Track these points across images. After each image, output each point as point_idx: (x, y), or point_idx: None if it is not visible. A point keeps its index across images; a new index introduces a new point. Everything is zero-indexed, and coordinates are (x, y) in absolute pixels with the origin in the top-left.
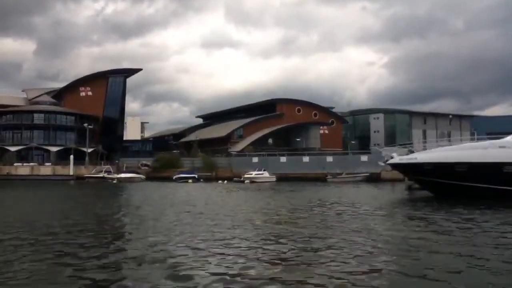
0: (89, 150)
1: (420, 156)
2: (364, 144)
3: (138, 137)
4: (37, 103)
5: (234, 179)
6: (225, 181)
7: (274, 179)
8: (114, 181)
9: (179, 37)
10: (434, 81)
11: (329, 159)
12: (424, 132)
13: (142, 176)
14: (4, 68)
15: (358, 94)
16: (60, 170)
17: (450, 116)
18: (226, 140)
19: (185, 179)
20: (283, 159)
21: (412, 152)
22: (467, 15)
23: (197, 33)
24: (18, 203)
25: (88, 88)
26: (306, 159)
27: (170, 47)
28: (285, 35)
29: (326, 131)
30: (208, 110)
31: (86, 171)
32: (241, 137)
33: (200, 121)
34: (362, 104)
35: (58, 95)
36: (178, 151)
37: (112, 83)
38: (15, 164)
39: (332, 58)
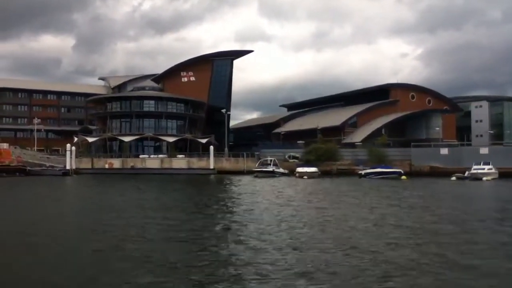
0: (204, 141)
1: None
2: (462, 134)
3: None
4: (142, 89)
5: (456, 174)
6: (454, 178)
7: (497, 175)
8: (305, 177)
9: (213, 31)
10: (468, 72)
11: None
12: None
13: (318, 171)
14: (44, 64)
15: None
16: (195, 162)
17: None
18: (339, 130)
19: (384, 175)
20: (483, 150)
21: None
22: (505, 5)
23: (231, 28)
24: None
25: (191, 73)
26: None
27: (205, 41)
28: (318, 28)
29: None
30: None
31: (228, 164)
32: (354, 126)
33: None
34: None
35: (156, 80)
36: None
37: (217, 67)
38: (140, 156)
39: (365, 51)
